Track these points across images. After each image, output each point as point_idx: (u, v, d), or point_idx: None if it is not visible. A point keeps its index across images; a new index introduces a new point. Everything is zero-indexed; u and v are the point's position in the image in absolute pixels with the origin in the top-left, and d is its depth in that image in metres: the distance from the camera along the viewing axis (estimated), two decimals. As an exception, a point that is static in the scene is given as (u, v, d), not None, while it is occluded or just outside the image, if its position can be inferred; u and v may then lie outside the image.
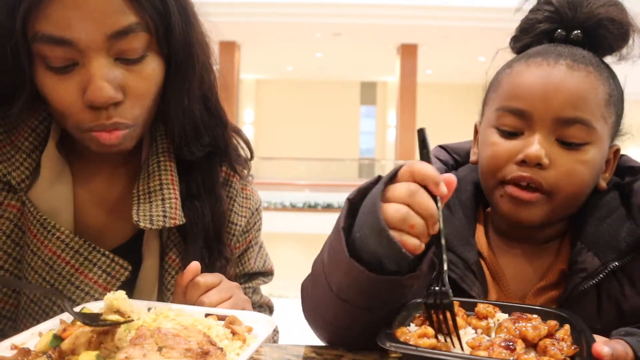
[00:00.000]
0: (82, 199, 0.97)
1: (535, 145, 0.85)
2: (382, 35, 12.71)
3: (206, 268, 0.94)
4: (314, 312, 0.85)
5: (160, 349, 0.62)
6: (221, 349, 0.65)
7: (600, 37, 0.91)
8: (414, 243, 0.69)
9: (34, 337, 0.70)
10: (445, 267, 0.70)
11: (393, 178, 0.72)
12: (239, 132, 1.10)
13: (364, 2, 11.40)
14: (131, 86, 0.85)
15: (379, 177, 0.75)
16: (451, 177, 0.71)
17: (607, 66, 0.93)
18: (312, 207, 11.85)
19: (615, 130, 0.92)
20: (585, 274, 0.87)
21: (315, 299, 0.83)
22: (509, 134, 0.89)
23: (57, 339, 0.67)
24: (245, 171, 1.09)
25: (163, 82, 0.90)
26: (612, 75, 0.92)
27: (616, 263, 0.86)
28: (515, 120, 0.88)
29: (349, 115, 20.08)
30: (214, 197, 1.01)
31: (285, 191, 12.65)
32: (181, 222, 0.94)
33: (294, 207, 11.69)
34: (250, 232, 1.10)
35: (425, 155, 0.72)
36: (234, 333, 0.73)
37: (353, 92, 20.10)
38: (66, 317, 0.75)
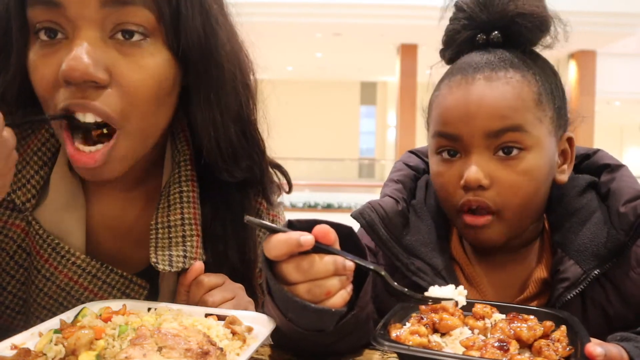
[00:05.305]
0: (94, 221, 0.91)
1: (471, 168, 0.85)
2: (382, 35, 12.68)
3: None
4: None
5: (160, 349, 0.62)
6: (221, 349, 0.65)
7: (517, 34, 0.89)
8: (341, 299, 0.69)
9: (34, 337, 0.71)
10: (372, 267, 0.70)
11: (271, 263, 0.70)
12: (279, 167, 1.04)
13: (364, 2, 11.37)
14: (121, 72, 0.75)
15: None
16: (323, 227, 0.68)
17: (536, 60, 0.91)
18: (312, 207, 11.82)
19: (560, 123, 0.90)
20: (568, 283, 0.86)
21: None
22: (450, 156, 0.89)
23: (58, 339, 0.67)
24: (278, 199, 1.04)
25: (176, 85, 0.82)
26: (542, 69, 0.90)
27: (598, 270, 0.85)
28: (451, 144, 0.88)
29: (349, 115, 20.05)
30: (242, 237, 0.95)
31: (285, 191, 12.59)
32: (202, 260, 0.89)
33: (294, 207, 11.65)
34: None
35: (272, 230, 0.69)
36: (234, 333, 0.74)
37: (353, 92, 20.06)
38: (66, 317, 0.75)
